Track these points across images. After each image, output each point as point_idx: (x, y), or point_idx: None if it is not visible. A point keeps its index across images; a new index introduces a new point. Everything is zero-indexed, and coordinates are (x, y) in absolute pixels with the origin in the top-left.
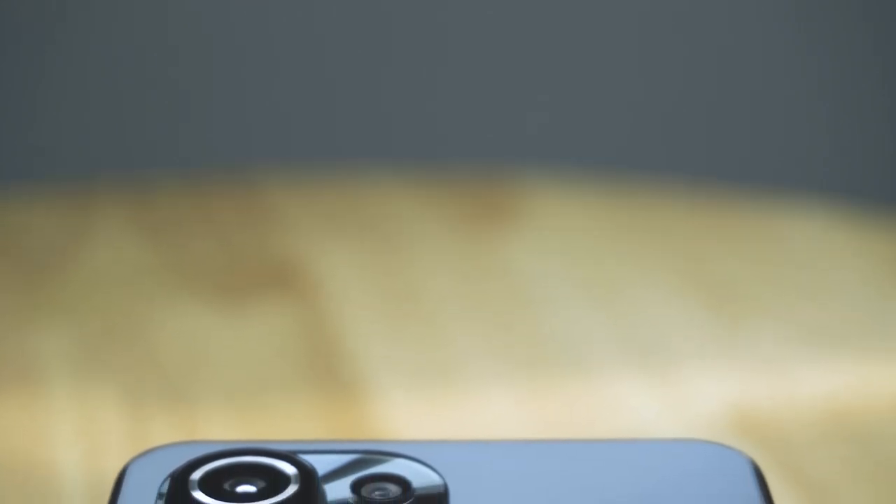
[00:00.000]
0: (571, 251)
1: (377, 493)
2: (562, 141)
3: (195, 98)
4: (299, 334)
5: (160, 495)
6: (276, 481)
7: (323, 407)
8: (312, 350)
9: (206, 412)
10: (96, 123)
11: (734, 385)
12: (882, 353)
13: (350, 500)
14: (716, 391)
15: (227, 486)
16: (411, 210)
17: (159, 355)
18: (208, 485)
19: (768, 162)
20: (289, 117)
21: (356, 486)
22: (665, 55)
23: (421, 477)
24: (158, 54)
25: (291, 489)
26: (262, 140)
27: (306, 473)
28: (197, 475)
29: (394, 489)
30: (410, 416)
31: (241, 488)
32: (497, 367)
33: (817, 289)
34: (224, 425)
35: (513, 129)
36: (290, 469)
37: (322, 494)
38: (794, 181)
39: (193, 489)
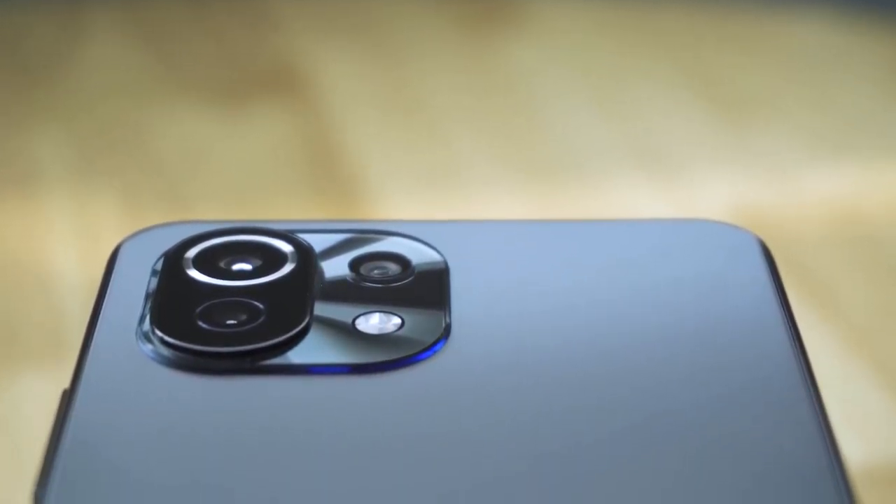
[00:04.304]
0: (576, 57)
1: (376, 271)
2: None
3: None
4: (299, 138)
5: (154, 272)
6: (272, 259)
7: (322, 208)
8: (312, 154)
9: (204, 211)
10: None
11: (739, 188)
12: (885, 156)
13: (348, 279)
14: (721, 194)
15: (222, 264)
16: (415, 14)
17: (157, 158)
18: (203, 263)
19: None
20: None
21: (354, 265)
22: None
23: (420, 255)
24: None
25: (288, 267)
26: None
27: (303, 251)
28: (192, 253)
29: (393, 267)
30: (411, 216)
31: (237, 266)
32: (500, 172)
33: (821, 93)
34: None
35: None
36: (286, 247)
37: (319, 273)
38: None
39: (188, 267)
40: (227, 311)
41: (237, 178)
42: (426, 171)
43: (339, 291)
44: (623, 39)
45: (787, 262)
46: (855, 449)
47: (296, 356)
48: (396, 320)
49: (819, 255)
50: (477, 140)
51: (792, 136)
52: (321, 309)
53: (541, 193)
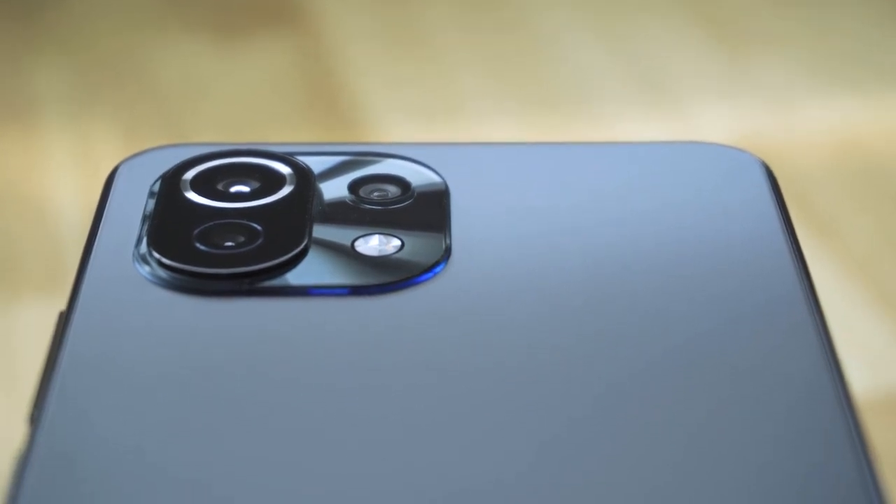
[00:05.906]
0: None
1: (375, 193)
2: None
3: None
4: (299, 71)
5: (152, 194)
6: (270, 181)
7: (322, 138)
8: (313, 87)
9: (204, 140)
10: None
11: (741, 119)
12: (885, 88)
13: (347, 200)
14: (723, 125)
15: (220, 186)
16: None
17: (157, 90)
18: (201, 185)
19: None
20: None
21: (353, 187)
22: None
23: (420, 177)
24: None
25: (286, 189)
26: None
27: (302, 173)
28: (189, 175)
29: (392, 190)
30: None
31: (235, 188)
32: (503, 105)
33: (823, 24)
34: None
35: None
36: (285, 169)
37: (318, 195)
38: None
39: (186, 189)
40: (225, 232)
41: (238, 110)
42: (427, 102)
43: (339, 213)
44: None
45: (789, 191)
46: (857, 376)
47: (294, 278)
48: (396, 242)
49: (821, 185)
50: (479, 72)
51: (793, 68)
52: (320, 231)
53: (544, 124)
